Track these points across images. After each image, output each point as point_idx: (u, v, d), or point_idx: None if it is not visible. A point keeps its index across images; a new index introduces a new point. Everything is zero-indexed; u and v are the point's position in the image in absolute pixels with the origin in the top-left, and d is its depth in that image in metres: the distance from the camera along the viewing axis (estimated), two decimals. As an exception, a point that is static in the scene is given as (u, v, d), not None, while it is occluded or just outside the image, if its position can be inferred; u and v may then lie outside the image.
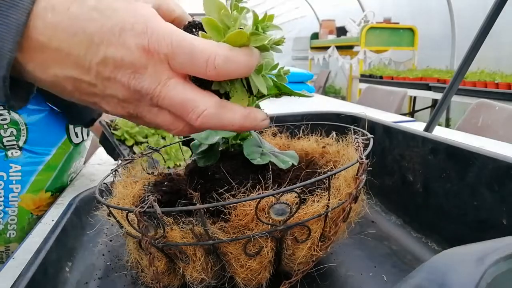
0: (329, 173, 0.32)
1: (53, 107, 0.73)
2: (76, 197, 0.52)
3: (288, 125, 0.57)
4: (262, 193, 0.30)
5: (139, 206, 0.30)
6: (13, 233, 0.71)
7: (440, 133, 1.10)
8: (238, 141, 0.40)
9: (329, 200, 0.33)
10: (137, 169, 0.46)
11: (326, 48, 5.04)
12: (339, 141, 0.46)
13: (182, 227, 0.31)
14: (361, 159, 0.34)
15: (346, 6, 5.55)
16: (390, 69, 4.11)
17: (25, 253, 0.48)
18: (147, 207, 0.29)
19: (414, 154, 0.50)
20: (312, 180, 0.31)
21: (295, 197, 0.31)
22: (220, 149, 0.40)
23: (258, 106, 0.37)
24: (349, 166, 0.34)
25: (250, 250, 0.32)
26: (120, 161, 0.45)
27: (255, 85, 0.30)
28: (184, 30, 0.28)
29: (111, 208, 0.34)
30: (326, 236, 0.35)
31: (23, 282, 0.32)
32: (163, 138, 0.68)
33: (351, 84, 5.38)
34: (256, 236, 0.31)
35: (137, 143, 0.66)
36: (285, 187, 0.31)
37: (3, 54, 0.24)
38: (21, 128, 0.68)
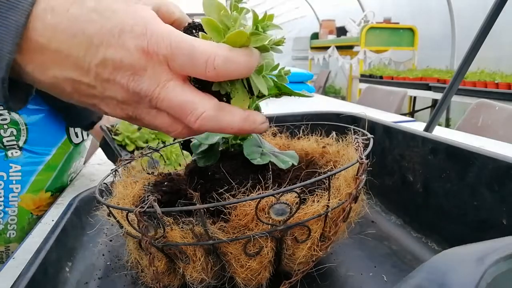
0: (329, 173, 0.32)
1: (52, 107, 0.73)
2: (76, 197, 0.52)
3: (288, 125, 0.57)
4: (262, 193, 0.30)
5: (139, 206, 0.30)
6: (13, 233, 0.71)
7: (440, 133, 1.10)
8: (238, 141, 0.40)
9: (329, 200, 0.33)
10: (137, 169, 0.46)
11: (326, 48, 5.04)
12: (339, 141, 0.46)
13: (182, 227, 0.31)
14: (361, 159, 0.34)
15: (346, 6, 5.55)
16: (390, 69, 4.11)
17: (25, 253, 0.48)
18: (147, 207, 0.29)
19: (414, 154, 0.50)
20: (312, 180, 0.31)
21: (295, 197, 0.31)
22: (220, 149, 0.40)
23: (258, 106, 0.37)
24: (349, 166, 0.34)
25: (250, 250, 0.32)
26: (120, 161, 0.45)
27: (255, 86, 0.30)
28: (184, 32, 0.28)
29: (111, 208, 0.34)
30: (326, 236, 0.35)
31: (23, 282, 0.32)
32: (163, 142, 0.68)
33: (351, 84, 5.38)
34: (256, 236, 0.31)
35: (138, 148, 0.66)
36: (285, 187, 0.31)
37: (2, 56, 0.24)
38: (21, 128, 0.68)
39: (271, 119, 0.62)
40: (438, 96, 3.09)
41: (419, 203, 0.49)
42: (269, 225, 0.31)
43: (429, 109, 3.77)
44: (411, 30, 4.17)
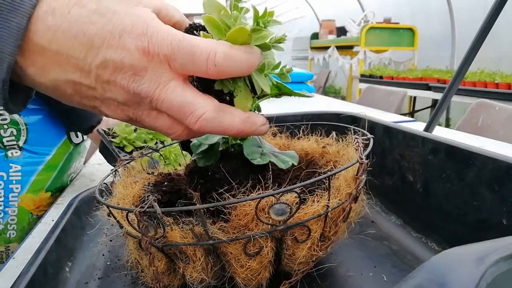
0: (329, 173, 0.32)
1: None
2: (76, 197, 0.52)
3: (288, 125, 0.57)
4: (262, 193, 0.30)
5: (139, 206, 0.30)
6: (13, 233, 0.71)
7: (440, 133, 1.10)
8: (238, 141, 0.40)
9: (329, 200, 0.33)
10: (137, 169, 0.46)
11: (326, 48, 5.04)
12: (339, 141, 0.46)
13: (182, 227, 0.31)
14: (361, 159, 0.34)
15: (346, 6, 5.55)
16: (390, 69, 4.11)
17: (25, 253, 0.48)
18: (147, 207, 0.29)
19: (414, 154, 0.50)
20: (312, 180, 0.31)
21: (295, 197, 0.31)
22: (220, 149, 0.40)
23: (258, 106, 0.37)
24: (349, 166, 0.34)
25: (250, 250, 0.32)
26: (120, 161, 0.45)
27: (258, 84, 0.30)
28: (185, 33, 0.28)
29: (111, 208, 0.34)
30: (326, 236, 0.35)
31: (23, 282, 0.32)
32: (162, 142, 0.68)
33: (351, 84, 5.38)
34: (256, 236, 0.31)
35: (136, 148, 0.66)
36: (285, 187, 0.31)
37: (3, 57, 0.24)
38: (21, 128, 0.68)
39: (271, 119, 0.62)
40: (438, 96, 3.09)
41: (419, 203, 0.49)
42: (269, 225, 0.31)
43: (429, 109, 3.77)
44: (411, 30, 4.17)
